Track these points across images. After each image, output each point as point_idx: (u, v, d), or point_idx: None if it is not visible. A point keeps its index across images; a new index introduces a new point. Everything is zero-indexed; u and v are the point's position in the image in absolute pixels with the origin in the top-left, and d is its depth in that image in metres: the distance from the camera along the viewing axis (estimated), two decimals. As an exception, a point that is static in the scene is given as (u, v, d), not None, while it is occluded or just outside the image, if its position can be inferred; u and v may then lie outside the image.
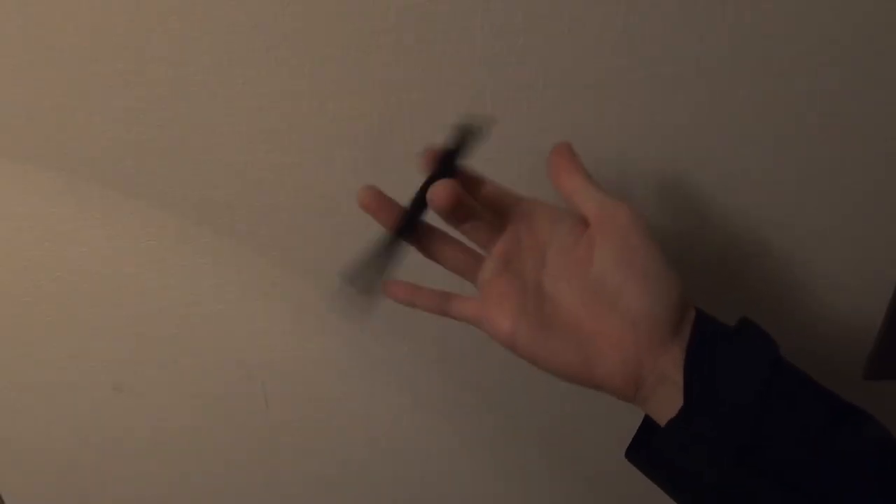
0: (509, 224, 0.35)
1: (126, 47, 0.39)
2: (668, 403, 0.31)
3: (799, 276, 0.49)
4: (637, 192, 0.45)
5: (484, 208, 0.35)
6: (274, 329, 0.49)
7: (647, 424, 0.35)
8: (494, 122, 0.35)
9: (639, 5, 0.39)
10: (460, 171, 0.35)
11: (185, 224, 0.44)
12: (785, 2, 0.39)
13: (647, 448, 0.32)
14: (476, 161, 0.43)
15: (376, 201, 0.34)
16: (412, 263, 0.35)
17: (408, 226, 0.34)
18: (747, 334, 0.33)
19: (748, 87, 0.42)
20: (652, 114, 0.42)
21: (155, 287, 0.47)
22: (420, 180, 0.34)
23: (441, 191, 0.32)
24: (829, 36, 0.41)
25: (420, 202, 0.33)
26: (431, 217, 0.34)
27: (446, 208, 0.32)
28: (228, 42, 0.39)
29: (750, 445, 0.30)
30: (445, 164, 0.34)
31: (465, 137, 0.34)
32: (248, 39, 0.39)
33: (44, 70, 0.39)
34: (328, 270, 0.47)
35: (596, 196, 0.33)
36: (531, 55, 0.40)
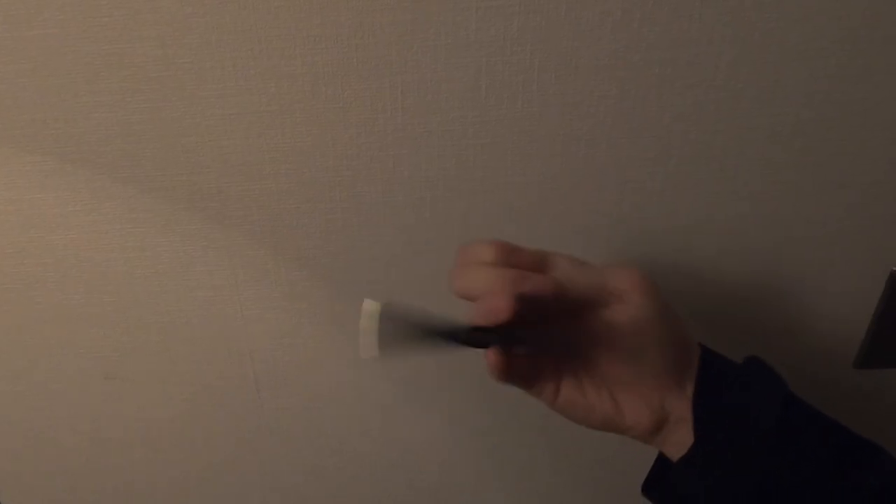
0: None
1: (112, 27, 0.38)
2: (684, 443, 0.33)
3: (793, 270, 0.49)
4: (629, 179, 0.45)
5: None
6: (265, 317, 0.48)
7: (662, 462, 0.37)
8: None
9: (636, -12, 0.39)
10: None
11: (174, 209, 0.44)
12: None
13: (661, 485, 0.35)
14: (472, 146, 0.43)
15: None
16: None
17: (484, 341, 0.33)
18: (756, 371, 0.35)
19: (747, 76, 0.42)
20: (650, 99, 0.42)
21: (145, 274, 0.46)
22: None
23: (493, 360, 0.33)
24: (827, 36, 0.40)
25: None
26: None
27: (502, 375, 0.33)
28: (218, 22, 0.38)
29: (762, 483, 0.31)
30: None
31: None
32: (237, 19, 0.38)
33: (29, 51, 0.38)
34: (320, 257, 0.47)
35: (595, 281, 0.34)
36: (527, 38, 0.39)
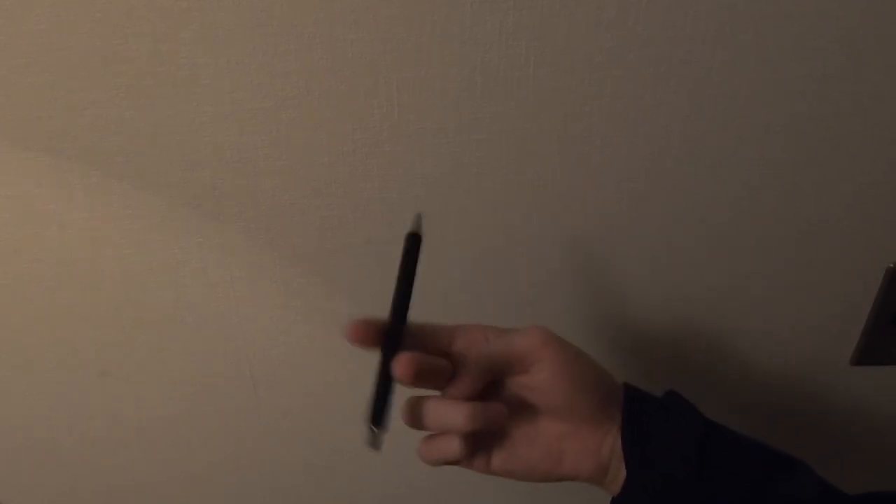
0: (458, 362, 0.36)
1: (106, 23, 0.38)
2: (621, 479, 0.35)
3: (789, 267, 0.49)
4: (625, 177, 0.45)
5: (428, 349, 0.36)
6: (261, 313, 0.48)
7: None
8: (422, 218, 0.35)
9: (631, -16, 0.39)
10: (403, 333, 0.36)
11: (169, 206, 0.44)
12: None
13: None
14: (467, 143, 0.43)
15: (363, 331, 0.35)
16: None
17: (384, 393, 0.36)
18: (675, 403, 0.36)
19: (743, 74, 0.42)
20: (645, 95, 0.42)
21: (140, 270, 0.46)
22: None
23: (403, 366, 0.34)
24: (825, 32, 0.40)
25: (385, 379, 0.35)
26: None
27: (411, 381, 0.34)
28: (212, 18, 0.38)
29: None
30: (392, 335, 0.35)
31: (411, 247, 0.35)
32: (232, 16, 0.38)
33: (22, 47, 0.38)
34: (315, 254, 0.46)
35: (502, 349, 0.35)
36: (521, 35, 0.39)
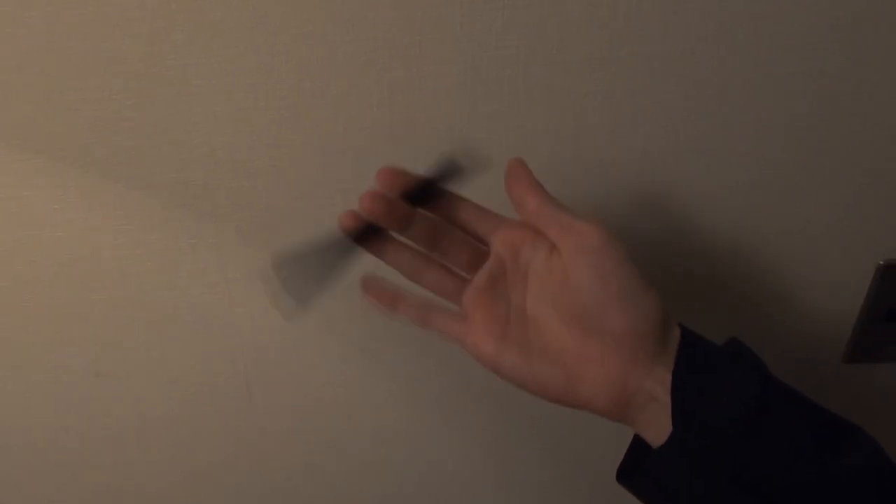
0: (493, 247, 0.35)
1: (99, 24, 0.38)
2: (656, 424, 0.31)
3: (782, 264, 0.49)
4: (620, 175, 0.45)
5: (464, 230, 0.35)
6: (257, 313, 0.48)
7: (636, 447, 0.35)
8: (484, 163, 0.34)
9: (622, -17, 0.39)
10: (437, 196, 0.34)
11: (163, 207, 0.44)
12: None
13: (639, 472, 0.33)
14: (459, 142, 0.43)
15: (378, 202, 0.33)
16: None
17: (363, 235, 0.34)
18: (735, 355, 0.33)
19: (737, 71, 0.42)
20: (639, 93, 0.42)
21: (134, 271, 0.46)
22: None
23: (365, 200, 0.32)
24: (822, 29, 0.41)
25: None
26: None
27: (373, 214, 0.32)
28: (204, 19, 0.38)
29: (742, 467, 0.30)
30: (419, 192, 0.34)
31: (447, 171, 0.34)
32: (224, 16, 0.38)
33: (15, 48, 0.38)
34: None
35: (561, 218, 0.32)
36: (512, 32, 0.40)
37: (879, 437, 0.59)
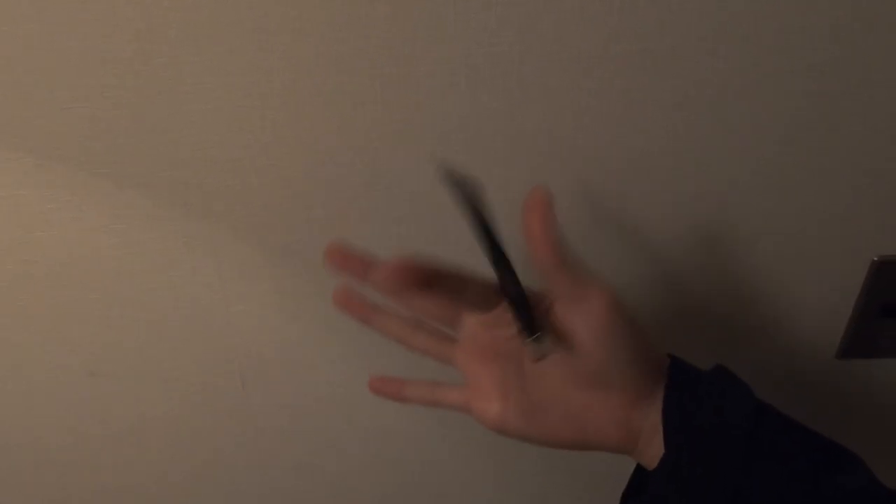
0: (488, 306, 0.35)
1: (90, 22, 0.38)
2: (659, 454, 0.32)
3: (775, 261, 0.49)
4: (616, 174, 0.45)
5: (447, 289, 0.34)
6: (251, 313, 0.48)
7: (640, 470, 0.36)
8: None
9: (617, -21, 0.39)
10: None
11: (156, 206, 0.44)
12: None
13: (640, 493, 0.34)
14: (453, 141, 0.43)
15: (341, 257, 0.34)
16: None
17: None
18: (725, 380, 0.33)
19: (735, 64, 0.42)
20: (635, 91, 0.42)
21: (128, 271, 0.46)
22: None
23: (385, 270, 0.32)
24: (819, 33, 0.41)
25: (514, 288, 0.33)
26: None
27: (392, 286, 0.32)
28: (196, 16, 0.38)
29: (735, 492, 0.30)
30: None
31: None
32: (216, 13, 0.38)
33: (4, 46, 0.38)
34: (304, 253, 0.46)
35: (573, 284, 0.32)
36: (506, 30, 0.39)
37: (874, 433, 0.60)
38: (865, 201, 0.47)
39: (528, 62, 0.40)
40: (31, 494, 0.56)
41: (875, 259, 0.49)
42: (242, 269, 0.47)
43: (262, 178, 0.43)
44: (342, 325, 0.49)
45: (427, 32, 0.39)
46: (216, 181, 0.43)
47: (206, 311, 0.48)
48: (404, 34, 0.39)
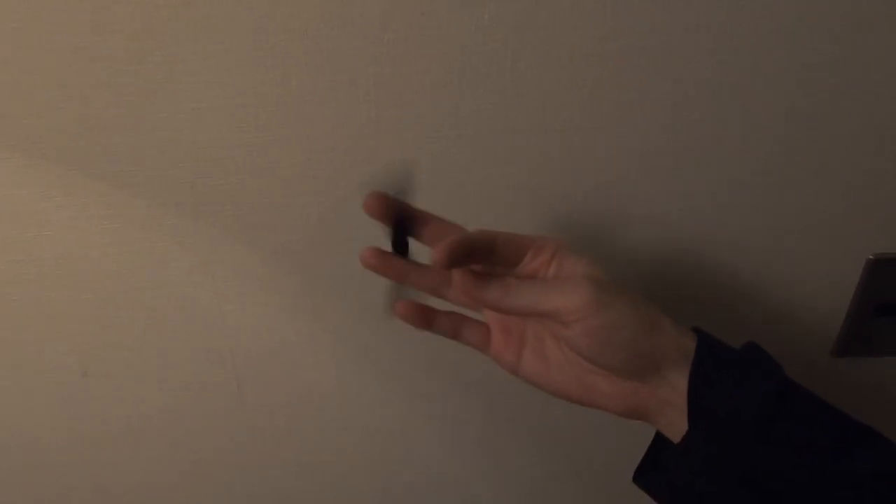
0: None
1: (83, 21, 0.37)
2: (675, 426, 0.32)
3: (771, 259, 0.49)
4: (608, 171, 0.45)
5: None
6: (244, 312, 0.48)
7: (654, 448, 0.36)
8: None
9: (609, -23, 0.39)
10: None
11: (149, 205, 0.44)
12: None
13: (655, 471, 0.34)
14: (445, 138, 0.43)
15: (378, 260, 0.36)
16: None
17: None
18: (753, 360, 0.34)
19: (730, 62, 0.42)
20: (628, 88, 0.42)
21: (121, 270, 0.46)
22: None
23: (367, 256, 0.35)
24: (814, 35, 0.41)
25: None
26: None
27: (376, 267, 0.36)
28: (188, 15, 0.38)
29: (756, 468, 0.30)
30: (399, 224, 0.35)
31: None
32: (208, 12, 0.38)
33: (-3, 45, 0.38)
34: (297, 251, 0.46)
35: (538, 300, 0.33)
36: (499, 28, 0.39)
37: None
38: (861, 200, 0.47)
39: (521, 60, 0.40)
40: (26, 494, 0.56)
41: (870, 257, 0.49)
42: (236, 269, 0.47)
43: (255, 177, 0.43)
44: (336, 324, 0.50)
45: (420, 30, 0.39)
46: (210, 180, 0.43)
47: (199, 310, 0.48)
48: (397, 32, 0.39)
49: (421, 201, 0.45)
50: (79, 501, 0.56)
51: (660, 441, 0.36)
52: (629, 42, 0.40)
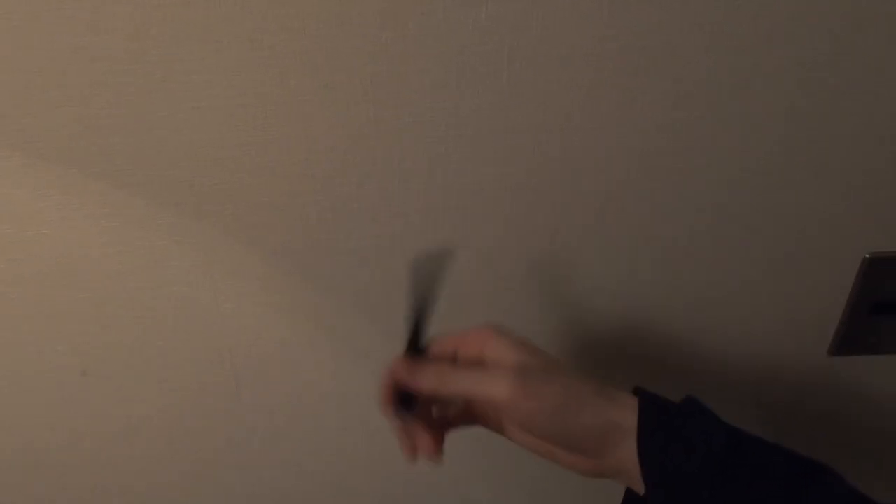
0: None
1: (80, 20, 0.37)
2: (637, 485, 0.34)
3: (768, 258, 0.49)
4: (605, 171, 0.45)
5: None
6: (243, 311, 0.48)
7: (625, 501, 0.38)
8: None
9: (607, -23, 0.39)
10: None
11: (147, 205, 0.44)
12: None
13: None
14: (443, 138, 0.43)
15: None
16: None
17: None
18: (694, 413, 0.35)
19: (728, 61, 0.42)
20: (627, 89, 0.42)
21: (120, 270, 0.46)
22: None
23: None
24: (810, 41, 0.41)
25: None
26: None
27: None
28: (186, 15, 0.38)
29: None
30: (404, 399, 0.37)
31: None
32: (206, 11, 0.38)
33: (-5, 44, 0.38)
34: (296, 251, 0.46)
35: (472, 388, 0.35)
36: (496, 27, 0.39)
37: (863, 429, 0.60)
38: (857, 199, 0.47)
39: (519, 60, 0.40)
40: (26, 494, 0.56)
41: (866, 256, 0.49)
42: (235, 268, 0.47)
43: (254, 177, 0.43)
44: (335, 324, 0.50)
45: (417, 30, 0.39)
46: (208, 180, 0.43)
47: (198, 309, 0.48)
48: (395, 32, 0.39)
49: (421, 201, 0.45)
50: (78, 501, 0.56)
51: (630, 495, 0.37)
52: (628, 42, 0.40)
